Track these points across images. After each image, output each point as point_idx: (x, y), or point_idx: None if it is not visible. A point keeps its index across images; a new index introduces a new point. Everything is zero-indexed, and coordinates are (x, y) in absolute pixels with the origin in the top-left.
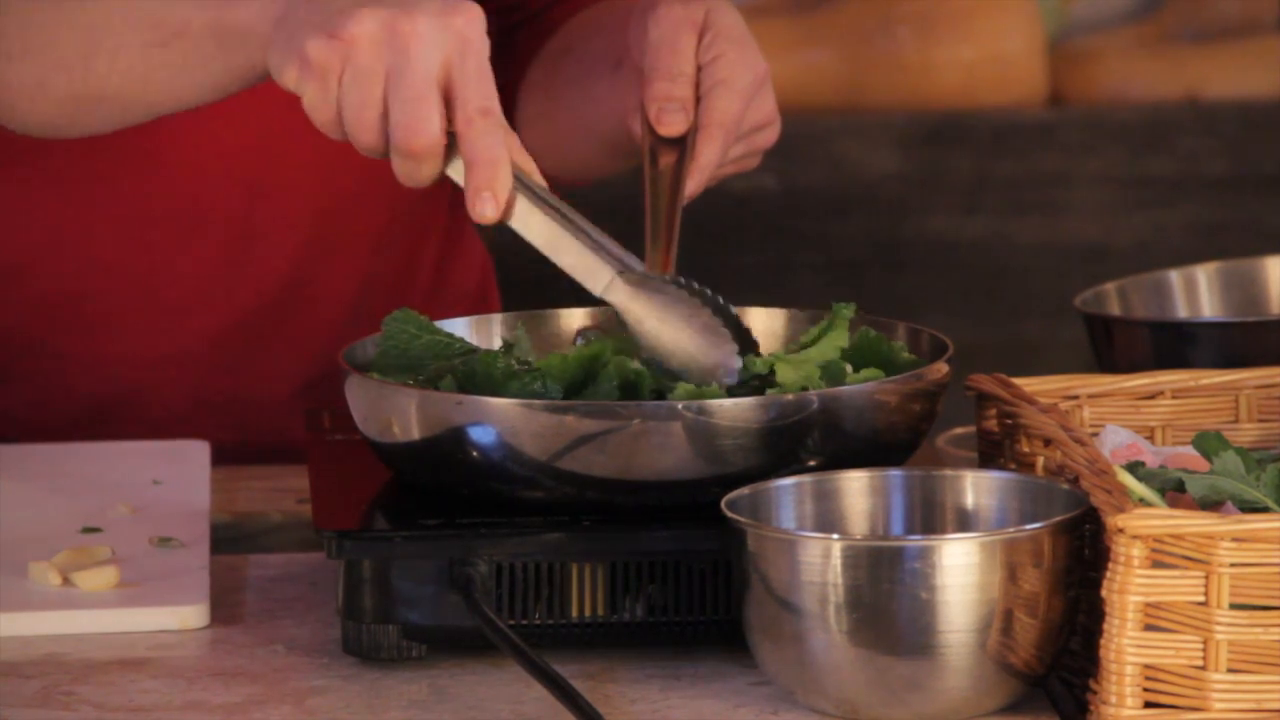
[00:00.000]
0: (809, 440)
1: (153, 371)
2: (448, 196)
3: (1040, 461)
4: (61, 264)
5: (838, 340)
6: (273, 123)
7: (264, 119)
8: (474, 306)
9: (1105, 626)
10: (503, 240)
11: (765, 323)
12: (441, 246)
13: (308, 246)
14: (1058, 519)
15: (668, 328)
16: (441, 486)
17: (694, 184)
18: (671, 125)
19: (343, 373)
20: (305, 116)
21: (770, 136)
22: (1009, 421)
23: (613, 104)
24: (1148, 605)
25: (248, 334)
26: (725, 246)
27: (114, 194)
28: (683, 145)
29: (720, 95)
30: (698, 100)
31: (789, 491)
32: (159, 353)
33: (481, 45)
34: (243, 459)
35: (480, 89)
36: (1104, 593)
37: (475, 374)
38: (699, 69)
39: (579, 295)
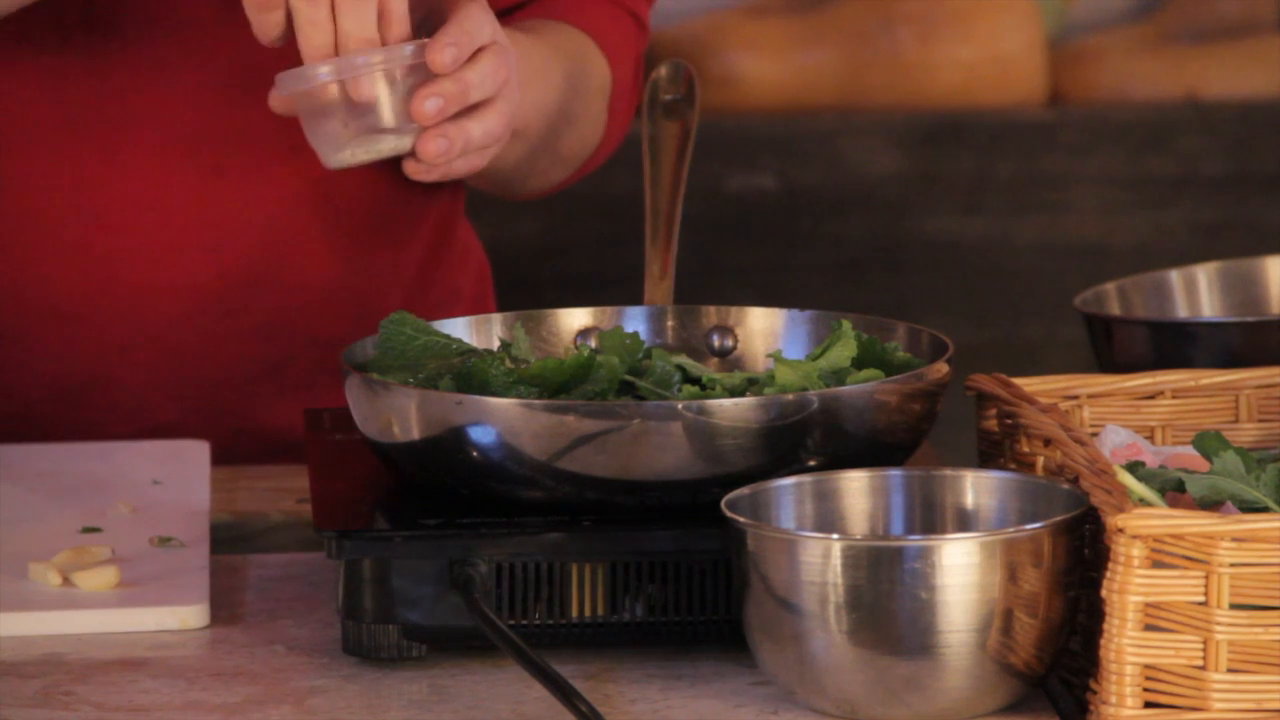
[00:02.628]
0: (809, 440)
1: (118, 355)
2: (441, 198)
3: (1040, 461)
4: (19, 250)
5: (846, 351)
6: (234, 104)
7: (225, 100)
8: (470, 308)
9: (1105, 626)
10: (502, 241)
11: (765, 323)
12: (431, 244)
13: (272, 232)
14: (1058, 519)
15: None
16: (441, 486)
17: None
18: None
19: (343, 372)
20: (266, 96)
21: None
22: (1009, 421)
23: None
24: (1148, 605)
25: (212, 318)
26: (725, 246)
27: (72, 178)
28: (683, 144)
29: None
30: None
31: (789, 491)
32: (123, 337)
33: None
34: (214, 445)
35: None
36: (1104, 593)
37: (472, 379)
38: None
39: (579, 296)
